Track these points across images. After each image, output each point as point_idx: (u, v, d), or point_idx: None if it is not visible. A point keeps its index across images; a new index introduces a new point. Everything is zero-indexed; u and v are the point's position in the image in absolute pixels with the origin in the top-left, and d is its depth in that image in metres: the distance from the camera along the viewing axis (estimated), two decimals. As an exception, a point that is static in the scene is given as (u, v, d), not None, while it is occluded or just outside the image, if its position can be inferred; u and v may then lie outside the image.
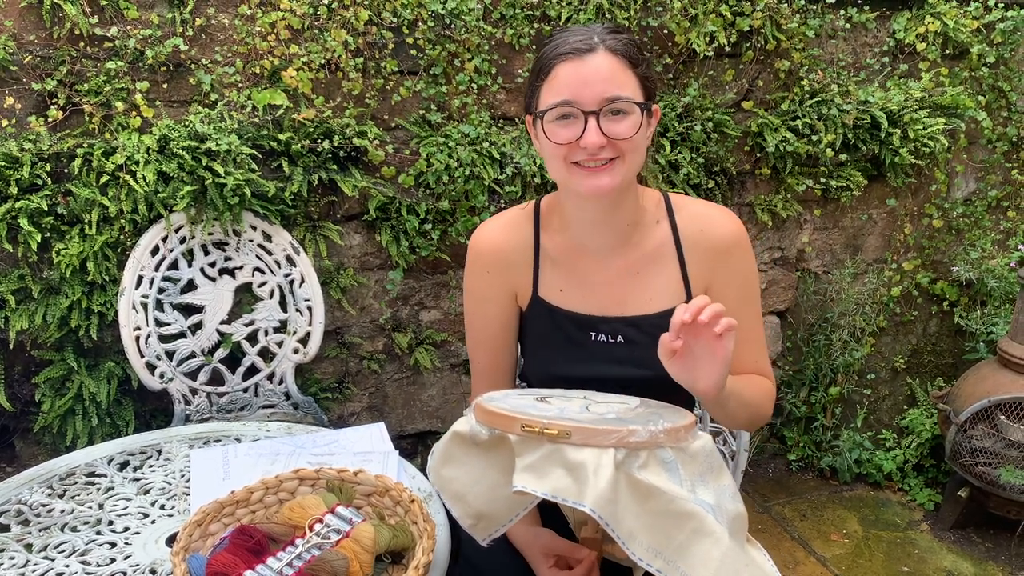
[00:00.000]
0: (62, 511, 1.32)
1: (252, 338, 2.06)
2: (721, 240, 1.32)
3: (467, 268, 1.43)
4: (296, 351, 2.07)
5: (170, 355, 1.97)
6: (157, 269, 1.95)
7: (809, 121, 2.50)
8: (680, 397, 1.23)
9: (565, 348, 1.37)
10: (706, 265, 1.33)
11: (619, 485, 0.96)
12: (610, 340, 1.34)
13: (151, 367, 1.94)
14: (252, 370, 2.07)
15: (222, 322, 2.03)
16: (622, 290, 1.34)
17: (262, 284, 2.05)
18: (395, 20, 2.12)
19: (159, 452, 1.53)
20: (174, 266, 1.98)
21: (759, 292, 1.37)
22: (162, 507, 1.34)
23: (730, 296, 1.32)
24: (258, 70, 2.05)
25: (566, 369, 1.35)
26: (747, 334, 1.34)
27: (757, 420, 1.33)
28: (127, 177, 1.88)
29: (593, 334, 1.35)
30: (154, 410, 2.13)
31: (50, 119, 1.90)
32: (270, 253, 2.06)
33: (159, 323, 1.96)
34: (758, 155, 2.57)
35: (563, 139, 1.19)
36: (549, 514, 1.37)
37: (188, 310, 2.02)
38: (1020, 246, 2.87)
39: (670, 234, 1.33)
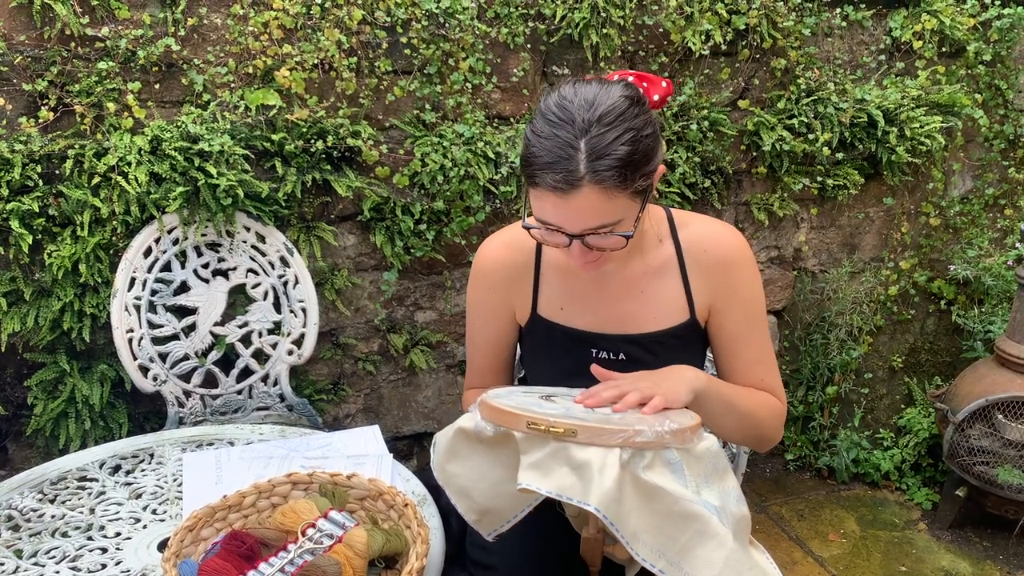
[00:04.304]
0: (53, 516, 1.31)
1: (246, 340, 2.05)
2: (724, 256, 1.31)
3: (470, 280, 1.44)
4: (290, 353, 2.06)
5: (163, 357, 1.96)
6: (150, 271, 1.94)
7: (805, 120, 2.50)
8: None
9: (565, 364, 1.37)
10: (709, 282, 1.32)
11: (624, 485, 0.95)
12: (611, 357, 1.34)
13: (144, 369, 1.93)
14: (246, 372, 2.05)
15: (215, 324, 2.02)
16: (624, 307, 1.34)
17: (256, 285, 2.04)
18: (389, 19, 2.10)
19: (151, 456, 1.52)
20: (167, 267, 1.97)
21: (764, 309, 1.36)
22: (154, 512, 1.33)
23: (734, 314, 1.32)
24: (251, 70, 2.03)
25: (567, 385, 1.34)
26: (753, 354, 1.33)
27: (757, 434, 1.30)
28: (119, 178, 1.87)
29: (594, 351, 1.35)
30: (147, 412, 2.12)
31: (41, 120, 1.89)
32: (264, 254, 2.05)
33: (152, 325, 1.95)
34: (754, 154, 2.56)
35: (552, 244, 1.19)
36: (552, 511, 1.36)
37: (181, 312, 2.00)
38: (1017, 244, 2.87)
39: (673, 252, 1.33)
